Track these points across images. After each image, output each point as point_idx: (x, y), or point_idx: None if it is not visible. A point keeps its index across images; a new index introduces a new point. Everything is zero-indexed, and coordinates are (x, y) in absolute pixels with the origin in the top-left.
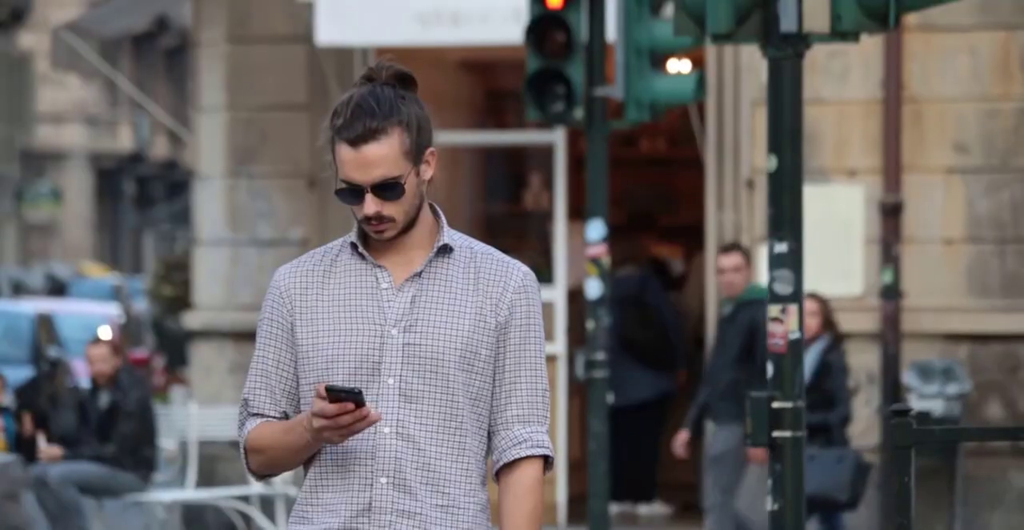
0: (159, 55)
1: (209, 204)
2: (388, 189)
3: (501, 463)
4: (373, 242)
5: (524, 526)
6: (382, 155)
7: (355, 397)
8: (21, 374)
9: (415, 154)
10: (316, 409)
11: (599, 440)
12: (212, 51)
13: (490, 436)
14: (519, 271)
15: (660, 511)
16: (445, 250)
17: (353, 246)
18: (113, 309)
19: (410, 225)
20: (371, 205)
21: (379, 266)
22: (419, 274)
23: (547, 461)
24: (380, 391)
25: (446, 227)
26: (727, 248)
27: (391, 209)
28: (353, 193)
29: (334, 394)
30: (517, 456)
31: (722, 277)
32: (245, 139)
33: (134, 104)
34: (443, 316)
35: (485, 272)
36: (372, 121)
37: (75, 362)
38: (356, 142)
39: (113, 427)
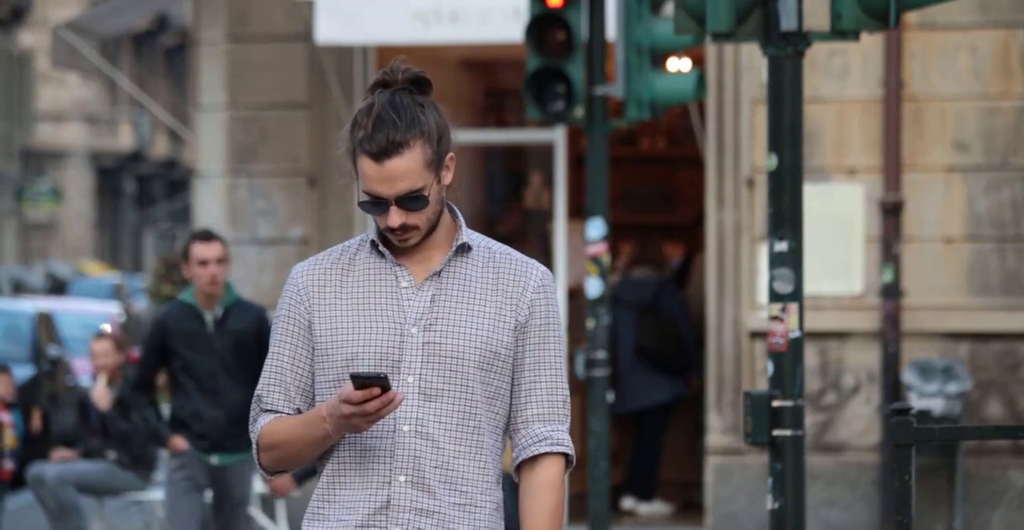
0: (159, 54)
1: (209, 203)
2: (412, 201)
3: (520, 459)
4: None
5: (545, 523)
6: (405, 169)
7: (381, 382)
8: (21, 373)
9: (436, 163)
10: (344, 395)
11: (599, 439)
12: (212, 50)
13: (510, 435)
14: (538, 271)
15: (660, 510)
16: (463, 249)
17: (373, 244)
18: (113, 308)
19: (431, 228)
20: (396, 217)
21: (399, 265)
22: (438, 273)
23: (568, 459)
24: (400, 389)
25: (464, 227)
26: (207, 236)
27: (415, 218)
28: (377, 205)
29: (359, 381)
30: (537, 452)
31: (204, 269)
32: (245, 137)
33: (134, 103)
34: (462, 315)
35: (504, 272)
36: (395, 134)
37: (75, 361)
38: (379, 157)
39: (116, 422)
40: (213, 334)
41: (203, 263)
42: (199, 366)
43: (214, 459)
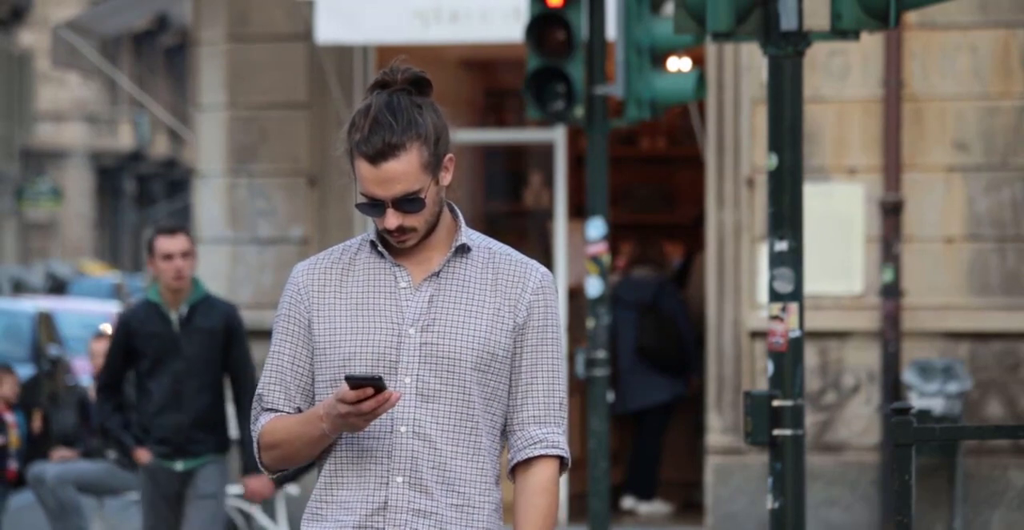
0: (159, 53)
1: (209, 202)
2: (409, 203)
3: (515, 461)
4: None
5: (538, 525)
6: (401, 171)
7: (375, 383)
8: (21, 373)
9: (434, 165)
10: (340, 395)
11: (599, 439)
12: (212, 49)
13: (506, 436)
14: (537, 272)
15: (660, 509)
16: (463, 250)
17: (372, 244)
18: (113, 307)
19: (430, 230)
20: (392, 219)
21: (398, 265)
22: (437, 274)
23: (563, 462)
24: (397, 390)
25: (464, 227)
26: (171, 229)
27: (412, 220)
28: (374, 207)
29: (354, 382)
30: (531, 455)
31: (169, 264)
32: (245, 137)
33: (134, 102)
34: (460, 316)
35: (503, 272)
36: (391, 136)
37: (75, 361)
38: (375, 159)
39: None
40: (179, 333)
41: (167, 257)
42: (164, 367)
43: (179, 465)
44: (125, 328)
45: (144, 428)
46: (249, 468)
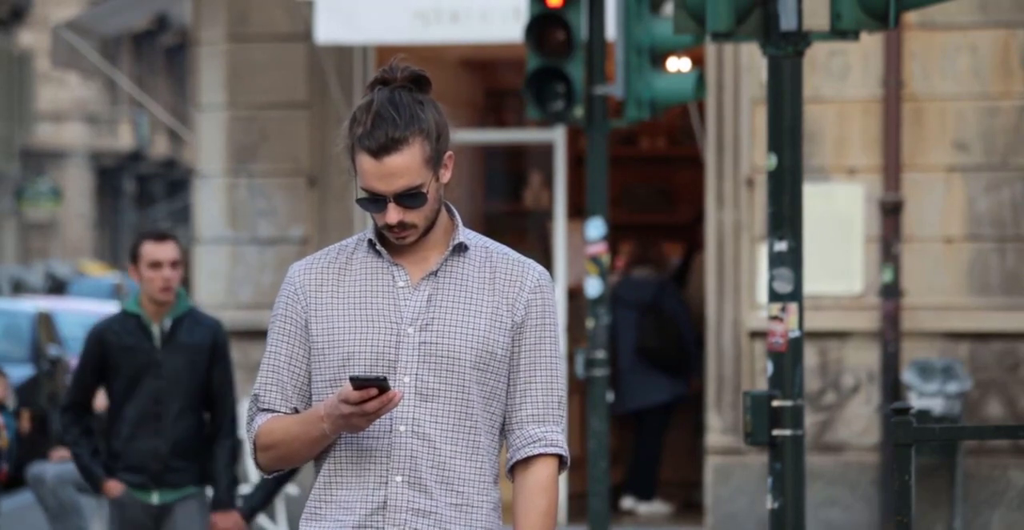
0: (159, 53)
1: (209, 202)
2: (410, 198)
3: (514, 460)
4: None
5: (537, 524)
6: (404, 165)
7: (379, 383)
8: (21, 373)
9: (435, 161)
10: (343, 395)
11: (599, 439)
12: (212, 49)
13: (505, 435)
14: (535, 271)
15: (660, 509)
16: (460, 249)
17: (370, 243)
18: (113, 308)
19: (429, 227)
20: (394, 214)
21: (396, 264)
22: (435, 273)
23: (562, 461)
24: (396, 389)
25: (461, 226)
26: (160, 235)
27: (413, 216)
28: (375, 202)
29: (358, 383)
30: (530, 454)
31: (156, 273)
32: (245, 137)
33: (134, 102)
34: (459, 315)
35: (501, 272)
36: (394, 131)
37: (75, 361)
38: (378, 153)
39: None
40: (160, 349)
41: (155, 265)
42: (141, 387)
43: (154, 497)
44: (99, 342)
45: (115, 454)
46: (219, 503)
